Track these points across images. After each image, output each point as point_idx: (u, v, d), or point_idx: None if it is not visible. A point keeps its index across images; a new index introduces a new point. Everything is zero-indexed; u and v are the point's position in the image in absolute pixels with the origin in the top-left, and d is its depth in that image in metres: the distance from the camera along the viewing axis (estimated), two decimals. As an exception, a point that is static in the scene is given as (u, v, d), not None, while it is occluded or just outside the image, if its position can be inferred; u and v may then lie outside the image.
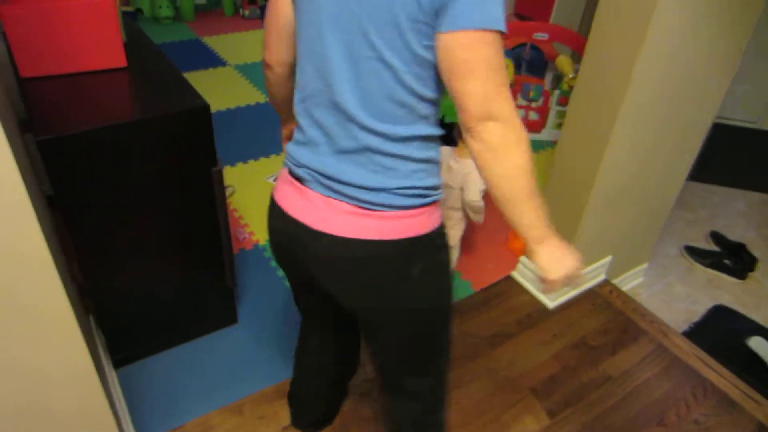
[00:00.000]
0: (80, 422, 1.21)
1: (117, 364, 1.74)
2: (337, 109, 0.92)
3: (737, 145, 3.63)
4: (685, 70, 1.68)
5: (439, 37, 0.82)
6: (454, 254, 2.03)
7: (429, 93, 0.90)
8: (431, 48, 0.84)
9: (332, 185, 0.96)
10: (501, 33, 0.81)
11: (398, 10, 0.82)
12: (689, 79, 1.72)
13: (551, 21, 3.66)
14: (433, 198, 0.99)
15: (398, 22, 0.82)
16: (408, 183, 0.95)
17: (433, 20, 0.82)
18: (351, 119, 0.92)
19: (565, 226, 1.94)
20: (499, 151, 0.84)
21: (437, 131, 0.97)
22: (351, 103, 0.90)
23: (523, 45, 3.22)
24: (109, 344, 1.70)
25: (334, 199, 0.96)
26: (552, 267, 0.94)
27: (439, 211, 1.03)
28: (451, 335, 1.21)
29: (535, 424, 1.71)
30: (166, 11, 4.38)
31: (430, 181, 0.98)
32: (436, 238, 1.03)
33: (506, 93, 0.82)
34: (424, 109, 0.92)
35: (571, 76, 2.94)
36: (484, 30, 0.80)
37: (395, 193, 0.94)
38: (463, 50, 0.81)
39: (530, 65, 3.31)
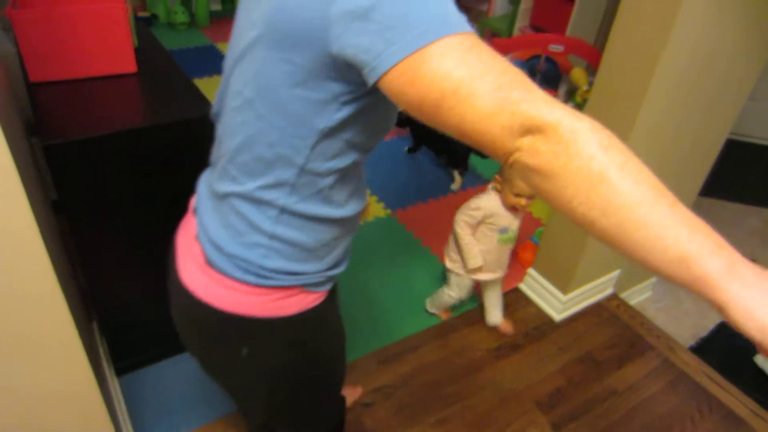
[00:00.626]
0: None
1: (120, 372, 1.74)
2: (220, 139, 0.80)
3: (754, 162, 3.59)
4: (699, 86, 1.66)
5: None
6: (457, 287, 1.94)
7: (293, 154, 0.71)
8: (303, 101, 0.67)
9: (200, 226, 0.85)
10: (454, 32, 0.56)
11: (268, 34, 0.66)
12: (703, 95, 1.71)
13: (567, 33, 3.66)
14: (282, 282, 0.81)
15: (266, 47, 0.66)
16: (245, 254, 0.79)
17: (317, 67, 0.64)
18: (222, 155, 0.79)
19: (571, 239, 1.93)
20: (556, 171, 0.53)
21: (317, 211, 0.77)
22: (224, 137, 0.78)
23: (538, 57, 3.22)
24: (112, 352, 1.71)
25: (197, 240, 0.84)
26: (761, 320, 0.51)
27: (302, 300, 0.84)
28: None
29: (538, 438, 1.69)
30: (181, 17, 4.42)
31: (278, 264, 0.79)
32: (286, 328, 0.84)
33: (519, 92, 0.54)
34: (287, 173, 0.73)
35: (585, 88, 2.94)
36: (418, 51, 0.55)
37: (230, 259, 0.79)
38: (407, 89, 0.57)
39: (544, 77, 3.31)
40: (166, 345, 1.80)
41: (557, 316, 2.08)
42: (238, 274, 0.79)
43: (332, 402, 1.12)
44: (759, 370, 2.10)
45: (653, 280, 2.42)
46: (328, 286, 0.88)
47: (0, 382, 0.99)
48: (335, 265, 0.87)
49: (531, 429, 1.72)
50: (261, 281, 0.79)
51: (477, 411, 1.75)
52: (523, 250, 2.33)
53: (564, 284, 2.02)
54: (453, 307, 2.09)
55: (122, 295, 1.61)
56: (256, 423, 1.06)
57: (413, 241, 2.38)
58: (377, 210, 2.54)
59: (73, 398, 1.12)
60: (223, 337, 0.86)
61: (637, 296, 2.37)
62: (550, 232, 2.04)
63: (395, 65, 0.56)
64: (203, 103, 1.47)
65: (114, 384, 1.66)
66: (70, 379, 1.08)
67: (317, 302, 0.86)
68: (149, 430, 1.62)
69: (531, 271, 2.15)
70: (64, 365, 1.06)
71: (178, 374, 1.77)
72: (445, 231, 2.41)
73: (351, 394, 1.71)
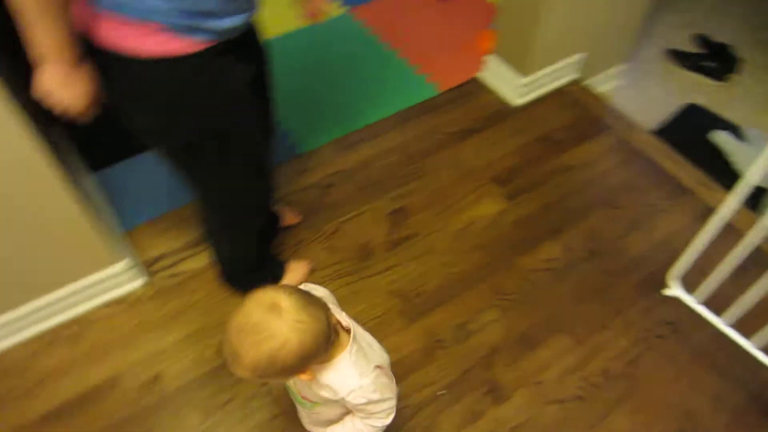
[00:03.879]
0: (60, 227, 1.35)
1: (98, 167, 1.82)
2: None
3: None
4: None
5: None
6: None
7: None
8: None
9: None
10: None
11: None
12: None
13: None
14: (135, 14, 0.87)
15: None
16: None
17: None
18: None
19: (529, 16, 1.86)
20: None
21: None
22: None
23: None
24: (83, 149, 1.78)
25: None
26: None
27: (165, 42, 0.90)
28: (211, 177, 1.18)
29: (493, 207, 1.80)
30: None
31: None
32: (154, 67, 0.93)
33: None
34: None
35: None
36: None
37: None
38: None
39: None
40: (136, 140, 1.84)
41: (517, 100, 2.10)
42: (104, 2, 0.87)
43: (239, 171, 1.18)
44: (715, 148, 2.17)
45: (623, 67, 2.41)
46: (202, 36, 0.92)
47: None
48: (206, 15, 0.90)
49: (486, 199, 1.82)
50: (115, 9, 0.86)
51: (435, 186, 1.85)
52: (482, 38, 2.28)
53: (523, 65, 2.01)
54: None
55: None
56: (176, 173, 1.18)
57: (371, 38, 2.33)
58: (332, 8, 2.45)
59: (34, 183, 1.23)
60: (108, 74, 0.96)
61: (604, 83, 2.37)
62: (507, 11, 1.97)
63: None
64: None
65: (87, 178, 1.74)
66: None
67: (187, 50, 0.92)
68: (129, 214, 1.74)
69: (490, 57, 2.13)
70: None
71: (159, 164, 1.83)
72: (408, 26, 2.37)
73: (298, 267, 1.62)
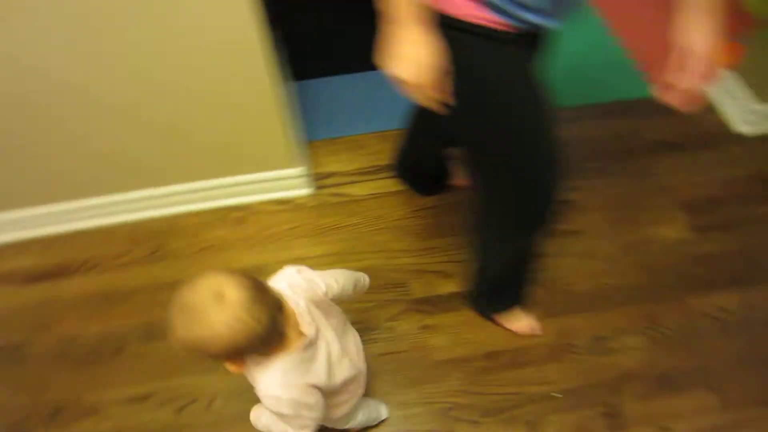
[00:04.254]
0: (257, 119, 1.48)
1: (299, 77, 1.95)
2: None
3: None
4: None
5: None
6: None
7: None
8: None
9: None
10: None
11: None
12: None
13: None
14: None
15: None
16: None
17: None
18: None
19: None
20: None
21: None
22: None
23: None
24: (292, 58, 1.89)
25: None
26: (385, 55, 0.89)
27: (470, 6, 0.86)
28: (489, 158, 1.08)
29: (674, 233, 1.63)
30: None
31: None
32: (453, 27, 0.88)
33: None
34: None
35: None
36: None
37: None
38: None
39: None
40: (345, 61, 1.92)
41: (742, 127, 1.85)
42: None
43: (518, 155, 1.05)
44: None
45: None
46: (504, 17, 0.87)
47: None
48: (517, 4, 0.85)
49: (669, 223, 1.65)
50: None
51: (617, 191, 1.71)
52: (724, 49, 2.00)
53: (764, 90, 1.75)
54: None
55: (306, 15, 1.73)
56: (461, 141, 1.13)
57: (597, 20, 2.18)
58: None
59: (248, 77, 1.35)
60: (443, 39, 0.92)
61: None
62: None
63: None
64: None
65: (289, 84, 1.86)
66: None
67: (482, 22, 0.87)
68: (312, 126, 1.85)
69: (726, 72, 1.89)
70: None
71: (351, 89, 1.95)
72: (642, 19, 2.17)
73: (522, 321, 1.46)
